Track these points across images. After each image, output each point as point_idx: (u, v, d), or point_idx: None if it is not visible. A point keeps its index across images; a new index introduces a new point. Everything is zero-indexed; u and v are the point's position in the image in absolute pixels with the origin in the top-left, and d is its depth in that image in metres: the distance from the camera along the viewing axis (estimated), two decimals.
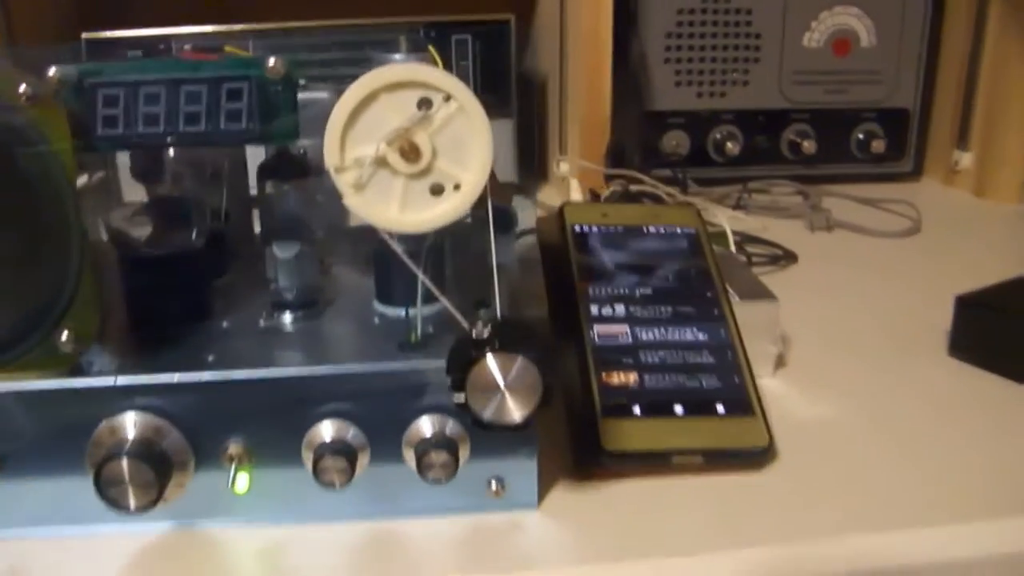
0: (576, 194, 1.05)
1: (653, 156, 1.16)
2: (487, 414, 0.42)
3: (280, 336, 0.54)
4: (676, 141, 1.20)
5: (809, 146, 1.21)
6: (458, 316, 0.43)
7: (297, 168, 0.55)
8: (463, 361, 0.41)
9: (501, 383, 0.41)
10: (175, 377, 0.48)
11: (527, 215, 0.75)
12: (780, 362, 0.69)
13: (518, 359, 0.41)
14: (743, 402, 0.56)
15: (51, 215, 0.44)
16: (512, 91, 1.11)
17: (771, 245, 0.97)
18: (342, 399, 0.49)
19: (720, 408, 0.56)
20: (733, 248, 0.88)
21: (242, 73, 0.45)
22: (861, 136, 1.24)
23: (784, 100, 1.22)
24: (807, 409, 0.63)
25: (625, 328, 0.60)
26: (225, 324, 0.55)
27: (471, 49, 1.09)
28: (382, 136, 0.41)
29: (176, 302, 0.55)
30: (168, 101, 0.46)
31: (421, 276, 0.44)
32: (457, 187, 0.43)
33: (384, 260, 0.54)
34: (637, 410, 0.55)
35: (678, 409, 0.55)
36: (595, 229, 0.67)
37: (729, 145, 1.20)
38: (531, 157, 1.23)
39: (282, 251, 0.55)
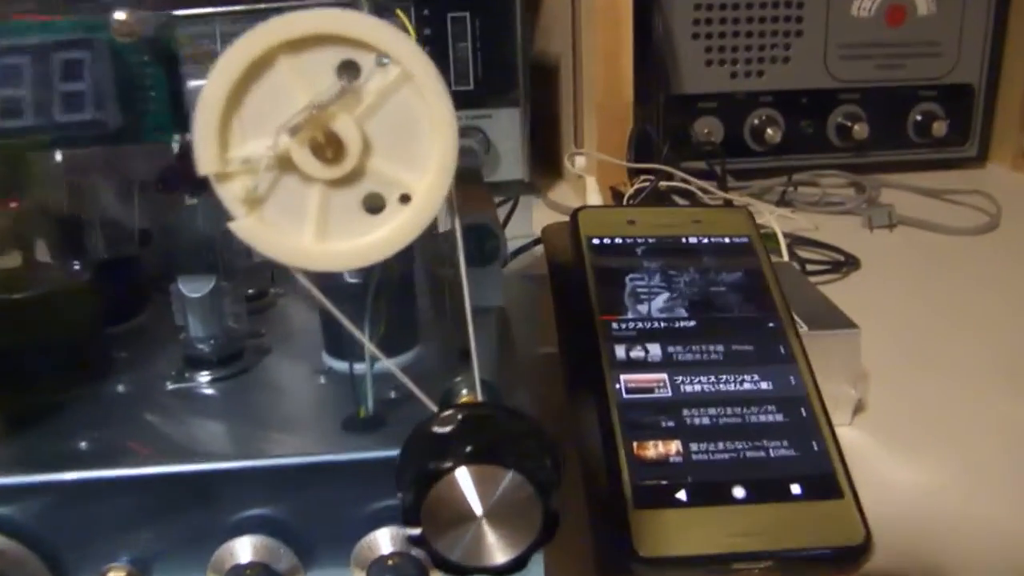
0: (594, 195, 0.89)
1: (682, 147, 1.00)
2: (456, 554, 0.26)
3: (188, 406, 0.39)
4: (708, 128, 1.05)
5: (860, 130, 1.06)
6: (421, 397, 0.28)
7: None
8: (419, 476, 0.26)
9: (477, 510, 0.26)
10: (22, 479, 0.34)
11: (537, 217, 0.59)
12: (859, 405, 0.53)
13: (506, 475, 0.26)
14: (827, 479, 0.41)
15: None
16: (519, 75, 0.96)
17: (828, 249, 0.81)
18: (264, 504, 0.34)
19: (796, 489, 0.41)
20: (785, 255, 0.72)
21: (82, 36, 0.30)
22: (919, 117, 1.09)
23: (831, 79, 1.06)
24: (901, 473, 0.48)
25: (663, 377, 0.45)
26: (121, 388, 0.40)
27: (470, 28, 0.94)
28: (283, 123, 0.26)
29: (49, 359, 0.40)
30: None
31: (359, 334, 0.29)
32: (404, 199, 0.27)
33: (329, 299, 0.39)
34: (682, 495, 0.40)
35: (738, 492, 0.40)
36: (619, 241, 0.52)
37: (769, 132, 1.04)
38: (543, 152, 1.08)
39: (190, 288, 0.40)
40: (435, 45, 0.95)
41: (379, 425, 0.35)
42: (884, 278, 0.78)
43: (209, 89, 0.26)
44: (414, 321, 0.41)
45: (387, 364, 0.29)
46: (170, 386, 0.41)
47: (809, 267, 0.76)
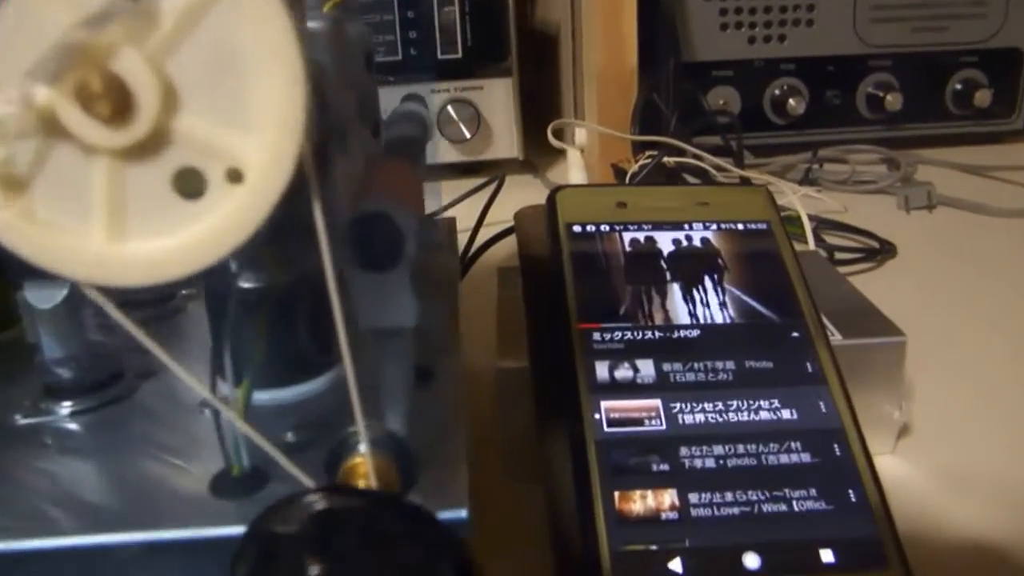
0: (577, 172, 0.78)
1: (693, 120, 0.90)
2: None
3: (38, 449, 0.30)
4: (724, 99, 0.95)
5: (893, 101, 0.95)
6: (287, 464, 0.19)
7: None
8: None
9: None
10: None
11: (531, 199, 0.49)
12: (903, 428, 0.44)
13: None
14: (869, 543, 0.32)
15: None
16: (511, 41, 0.86)
17: (860, 234, 0.71)
18: None
19: (827, 556, 0.31)
20: (811, 242, 0.62)
21: None
22: (959, 86, 0.98)
23: (860, 43, 0.96)
24: (958, 514, 0.38)
25: (655, 404, 0.35)
26: None
27: None
28: (32, 63, 0.16)
29: None
30: None
31: (196, 384, 0.20)
32: (234, 175, 0.18)
33: (214, 309, 0.30)
34: (677, 566, 0.31)
35: (751, 562, 0.31)
36: (605, 229, 0.42)
37: (791, 102, 0.94)
38: (542, 128, 0.98)
39: (39, 296, 0.31)
40: (417, 8, 0.85)
41: (258, 485, 0.26)
42: (924, 267, 0.68)
43: None
44: (321, 341, 0.32)
45: (228, 414, 0.19)
46: (20, 420, 0.32)
47: (838, 255, 0.66)
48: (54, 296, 0.31)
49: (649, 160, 0.72)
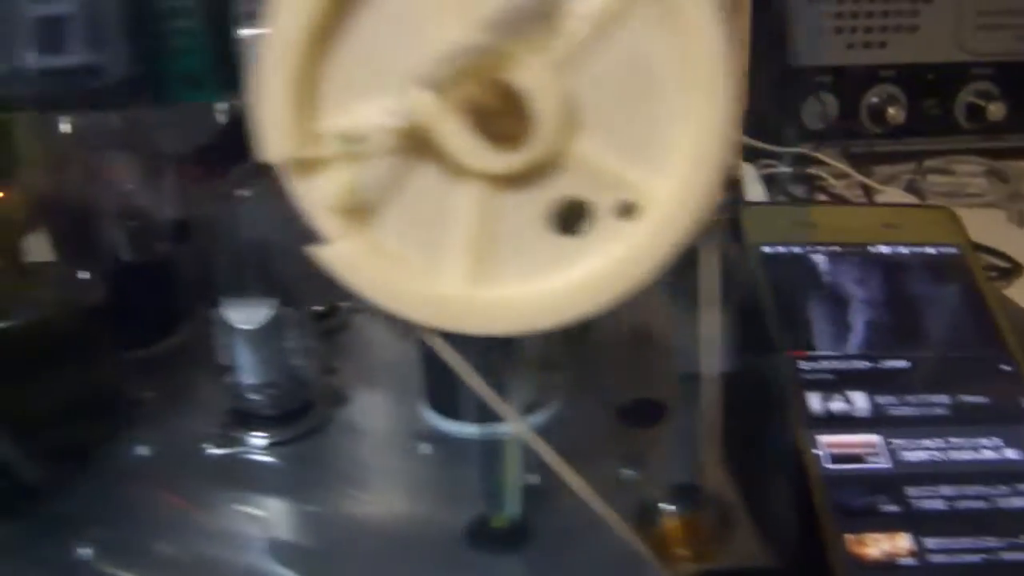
0: (755, 186, 0.73)
1: (791, 126, 0.87)
2: None
3: (234, 483, 0.28)
4: (821, 106, 0.91)
5: (995, 110, 0.92)
6: (607, 515, 0.17)
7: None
8: None
9: None
10: None
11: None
12: None
13: None
14: None
15: None
16: None
17: (980, 250, 0.68)
18: None
19: None
20: None
21: None
22: None
23: (962, 51, 0.92)
24: None
25: (875, 440, 0.33)
26: (144, 451, 0.29)
27: None
28: (416, 70, 0.14)
29: (44, 410, 0.29)
30: None
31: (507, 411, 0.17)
32: (628, 209, 0.15)
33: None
34: None
35: None
36: (798, 251, 0.39)
37: (890, 111, 0.91)
38: None
39: (241, 316, 0.28)
40: None
41: (520, 539, 0.23)
42: None
43: (283, 19, 0.14)
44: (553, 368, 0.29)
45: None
46: (211, 451, 0.29)
47: None
48: (257, 316, 0.29)
49: (773, 170, 0.69)
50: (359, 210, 0.15)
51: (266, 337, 0.29)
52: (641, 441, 0.29)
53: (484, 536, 0.24)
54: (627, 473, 0.27)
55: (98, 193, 0.33)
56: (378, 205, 0.15)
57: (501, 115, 0.14)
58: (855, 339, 0.36)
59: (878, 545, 0.30)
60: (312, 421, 0.30)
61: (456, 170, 0.15)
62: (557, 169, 0.15)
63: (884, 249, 0.40)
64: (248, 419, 0.30)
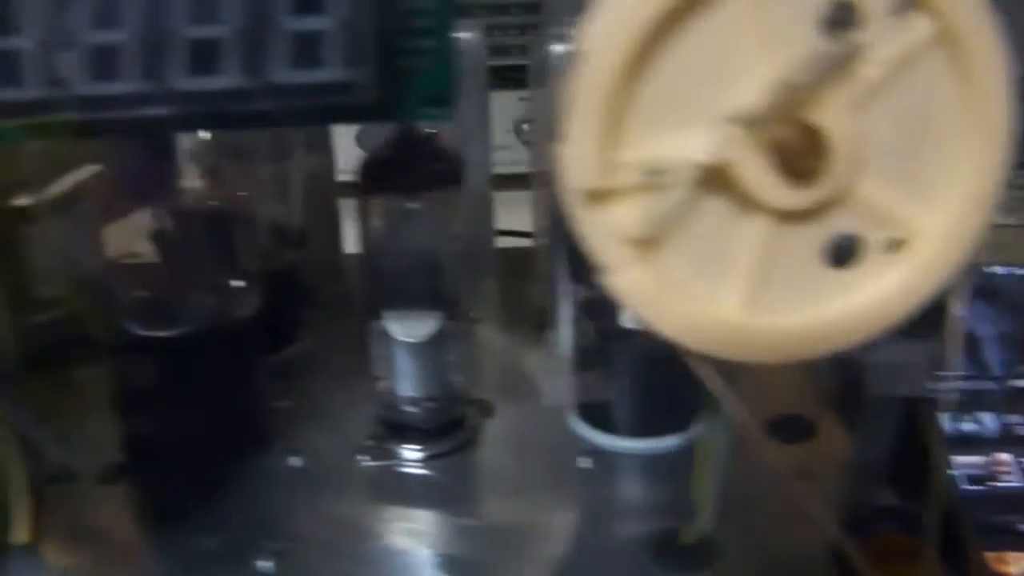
0: None
1: None
2: None
3: (394, 495, 0.28)
4: None
5: None
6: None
7: (438, 169, 0.29)
8: None
9: None
10: None
11: None
12: None
13: None
14: None
15: None
16: None
17: None
18: None
19: None
20: None
21: None
22: None
23: None
24: None
25: (1008, 459, 0.33)
26: (297, 462, 0.30)
27: None
28: (736, 108, 0.14)
29: (201, 419, 0.29)
30: (141, 14, 0.19)
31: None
32: (897, 244, 0.16)
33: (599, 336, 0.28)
34: None
35: None
36: None
37: None
38: None
39: (405, 329, 0.29)
40: None
41: (709, 554, 0.24)
42: None
43: (601, 45, 0.15)
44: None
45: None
46: (365, 463, 0.30)
47: None
48: (421, 331, 0.29)
49: None
50: (650, 239, 0.16)
51: (428, 350, 0.29)
52: (798, 457, 0.29)
53: (672, 552, 0.25)
54: (798, 488, 0.27)
55: (234, 201, 0.34)
56: (664, 234, 0.15)
57: (798, 152, 0.15)
58: (984, 359, 0.37)
59: (1019, 563, 0.31)
60: (465, 434, 0.30)
61: (745, 203, 0.15)
62: (838, 205, 0.16)
63: (999, 270, 0.41)
64: (402, 432, 0.30)
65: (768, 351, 0.16)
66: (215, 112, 0.20)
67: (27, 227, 0.30)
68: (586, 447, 0.30)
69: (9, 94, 0.20)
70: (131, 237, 0.32)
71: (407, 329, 0.29)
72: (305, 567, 0.26)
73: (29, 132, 0.21)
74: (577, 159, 0.15)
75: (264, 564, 0.25)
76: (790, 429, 0.30)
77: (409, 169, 0.29)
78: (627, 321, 0.29)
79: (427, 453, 0.30)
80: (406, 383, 0.30)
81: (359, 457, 0.30)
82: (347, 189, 0.43)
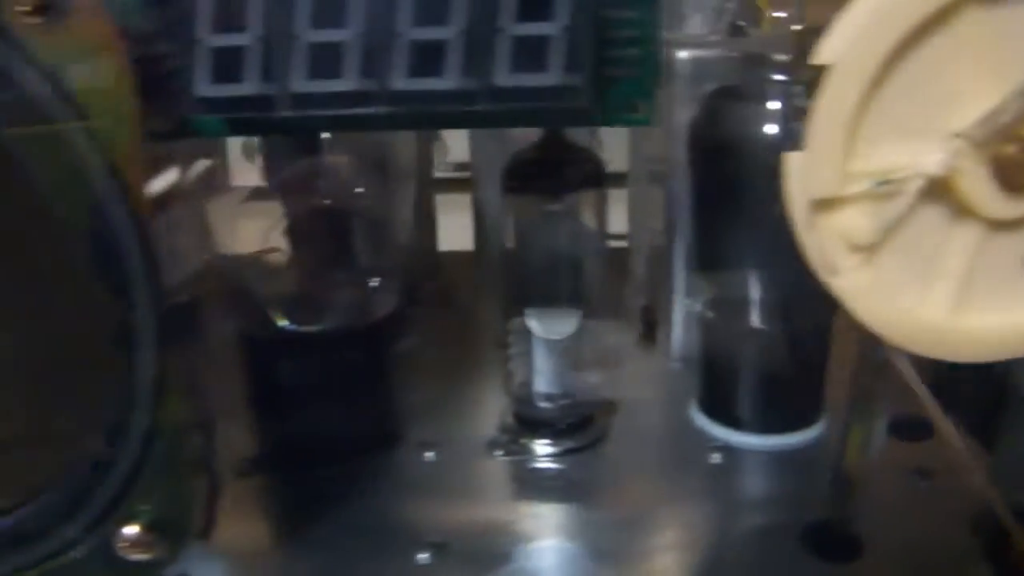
0: None
1: None
2: None
3: (532, 491, 0.29)
4: None
5: None
6: None
7: (583, 171, 0.30)
8: None
9: None
10: None
11: None
12: None
13: None
14: None
15: (93, 268, 0.21)
16: None
17: None
18: None
19: None
20: None
21: None
22: None
23: None
24: None
25: None
26: (431, 455, 0.31)
27: None
28: (970, 123, 0.16)
29: (339, 408, 0.31)
30: (365, 15, 0.21)
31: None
32: None
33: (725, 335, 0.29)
34: None
35: None
36: None
37: None
38: None
39: (548, 326, 0.30)
40: None
41: (857, 544, 0.25)
42: None
43: (848, 61, 0.16)
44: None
45: None
46: (499, 455, 0.31)
47: None
48: (562, 329, 0.30)
49: None
50: (870, 244, 0.17)
51: (566, 348, 0.30)
52: (920, 456, 0.30)
53: (819, 542, 0.26)
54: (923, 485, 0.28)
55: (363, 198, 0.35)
56: (884, 240, 0.17)
57: (1014, 165, 0.16)
58: None
59: None
60: (596, 431, 0.31)
61: (960, 211, 0.17)
62: None
63: None
64: (535, 427, 0.31)
65: (971, 351, 0.18)
66: (434, 112, 0.21)
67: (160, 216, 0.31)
68: (714, 443, 0.31)
69: (230, 90, 0.21)
70: (265, 232, 0.33)
71: (549, 327, 0.30)
72: (460, 558, 0.27)
73: (233, 126, 0.23)
74: (813, 169, 0.16)
75: (422, 556, 0.26)
76: (909, 429, 0.31)
77: (553, 171, 0.30)
78: (755, 321, 0.30)
79: (560, 448, 0.31)
80: (542, 380, 0.31)
81: (495, 452, 0.31)
82: (442, 185, 0.45)
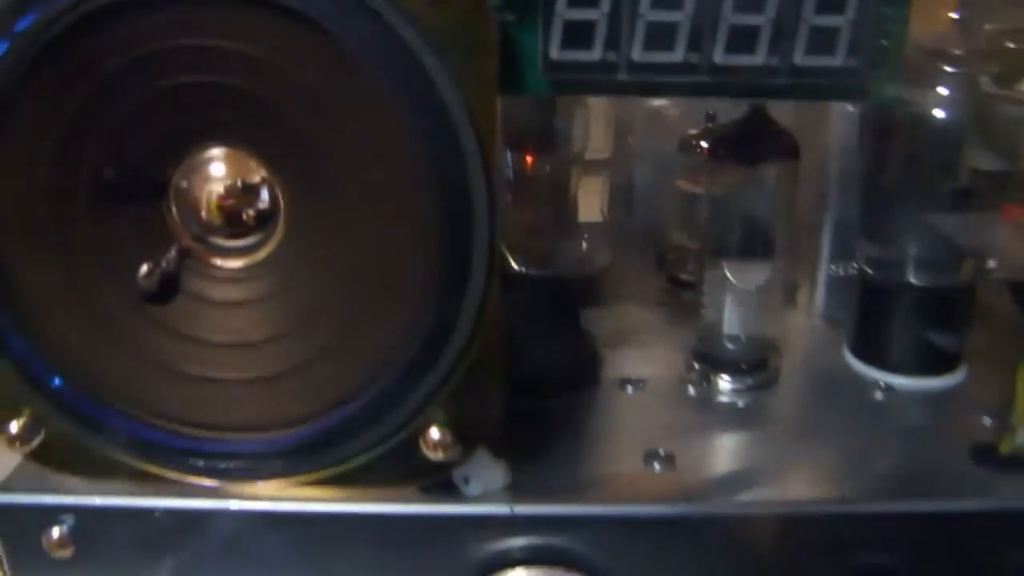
0: None
1: None
2: None
3: (733, 421, 0.34)
4: None
5: None
6: None
7: (779, 144, 0.35)
8: None
9: None
10: (623, 509, 0.30)
11: None
12: None
13: None
14: None
15: (448, 203, 0.26)
16: None
17: None
18: (881, 547, 0.30)
19: None
20: None
21: None
22: None
23: None
24: None
25: None
26: (629, 390, 0.35)
27: None
28: None
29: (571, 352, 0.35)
30: (697, 1, 0.26)
31: None
32: None
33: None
34: None
35: None
36: None
37: None
38: None
39: (743, 277, 0.35)
40: None
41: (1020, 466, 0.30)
42: None
43: None
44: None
45: None
46: (692, 391, 0.36)
47: None
48: (756, 278, 0.35)
49: None
50: None
51: (760, 298, 0.35)
52: None
53: (990, 459, 0.31)
54: None
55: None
56: None
57: None
58: None
59: None
60: (771, 372, 0.36)
61: None
62: None
63: None
64: (723, 366, 0.36)
65: None
66: (745, 84, 0.27)
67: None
68: (866, 381, 0.36)
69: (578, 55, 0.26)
70: None
71: (744, 276, 0.35)
72: (689, 467, 0.31)
73: (553, 85, 0.27)
74: None
75: (657, 464, 0.31)
76: None
77: (755, 142, 0.35)
78: (910, 277, 0.35)
79: (743, 385, 0.36)
80: (733, 322, 0.36)
81: (688, 387, 0.36)
82: None
